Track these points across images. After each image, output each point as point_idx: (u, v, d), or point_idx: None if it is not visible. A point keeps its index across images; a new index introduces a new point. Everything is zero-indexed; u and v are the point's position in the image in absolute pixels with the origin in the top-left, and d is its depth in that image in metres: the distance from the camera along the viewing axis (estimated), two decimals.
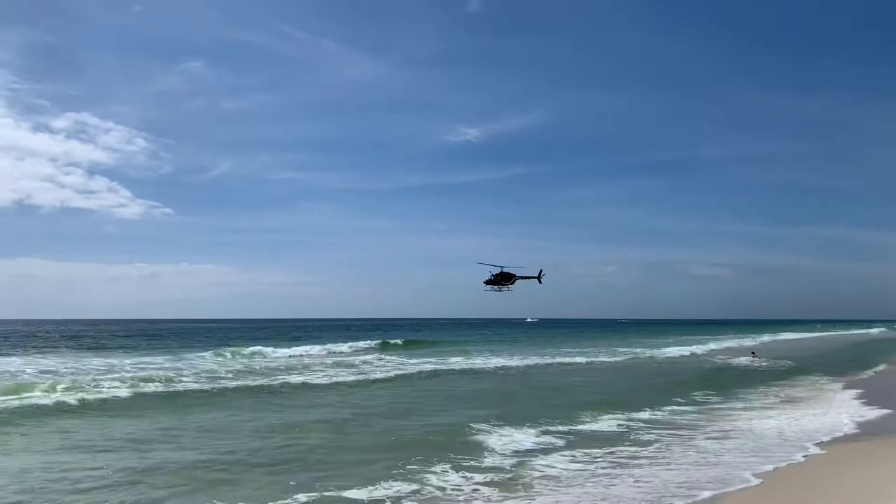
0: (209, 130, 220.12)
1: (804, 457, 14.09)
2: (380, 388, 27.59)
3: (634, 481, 12.14)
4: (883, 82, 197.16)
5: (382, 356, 48.33)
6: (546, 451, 14.78)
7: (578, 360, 44.44)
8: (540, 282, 42.79)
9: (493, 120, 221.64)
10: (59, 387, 24.83)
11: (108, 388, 25.11)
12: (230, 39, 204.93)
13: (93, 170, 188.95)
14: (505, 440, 15.80)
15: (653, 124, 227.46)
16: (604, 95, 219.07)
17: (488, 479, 12.26)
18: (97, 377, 28.90)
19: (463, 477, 12.43)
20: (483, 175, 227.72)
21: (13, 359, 42.04)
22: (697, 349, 56.81)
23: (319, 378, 30.55)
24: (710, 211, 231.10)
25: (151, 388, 25.73)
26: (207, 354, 46.05)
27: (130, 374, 30.39)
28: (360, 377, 31.22)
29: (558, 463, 13.58)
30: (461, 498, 11.22)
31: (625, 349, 56.32)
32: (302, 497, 10.99)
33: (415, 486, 11.75)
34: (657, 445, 15.40)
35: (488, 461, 13.73)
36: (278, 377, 30.74)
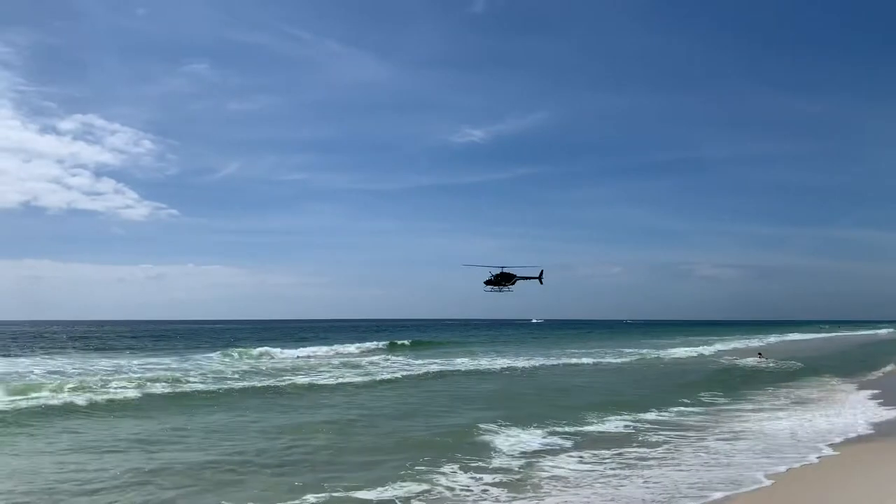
0: (215, 132, 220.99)
1: (817, 458, 13.98)
2: (387, 389, 27.57)
3: (644, 482, 12.06)
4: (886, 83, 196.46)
5: (390, 357, 48.37)
6: (554, 451, 14.73)
7: (584, 360, 44.31)
8: (541, 282, 42.47)
9: (498, 121, 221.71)
10: (66, 387, 24.91)
11: (115, 388, 25.16)
12: (235, 41, 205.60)
13: (99, 171, 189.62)
14: (512, 441, 15.74)
15: (657, 124, 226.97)
16: (608, 96, 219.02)
17: (497, 480, 12.21)
18: (105, 378, 28.99)
19: (472, 478, 12.37)
20: (487, 176, 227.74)
21: (21, 359, 42.25)
22: (704, 350, 56.56)
23: (326, 379, 30.53)
24: (714, 211, 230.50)
25: (159, 388, 25.76)
26: (214, 355, 46.15)
27: (138, 375, 30.48)
28: (368, 378, 31.18)
29: (566, 464, 13.51)
30: (471, 498, 11.17)
31: (631, 350, 56.12)
32: (311, 498, 10.95)
33: (424, 487, 11.70)
34: (666, 447, 15.31)
35: (496, 462, 13.68)
36: (286, 378, 30.75)
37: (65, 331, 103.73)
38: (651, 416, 19.82)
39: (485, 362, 42.28)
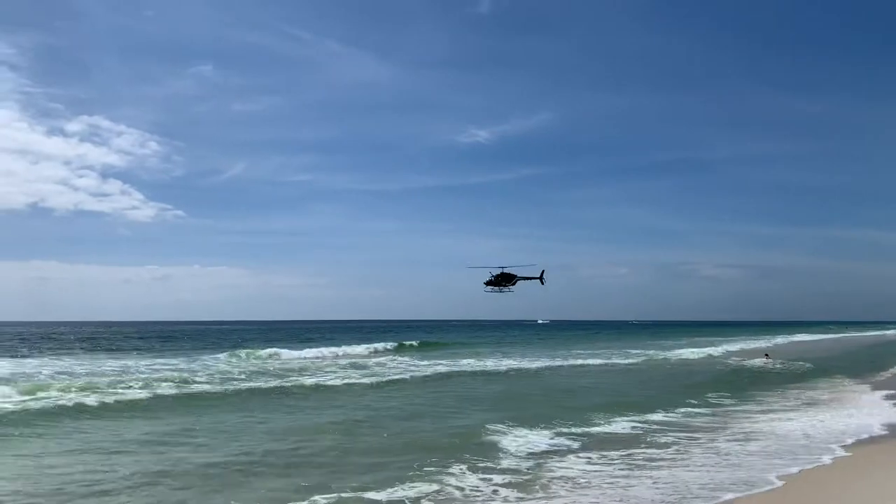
0: (220, 133, 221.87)
1: (830, 459, 13.89)
2: (395, 390, 27.55)
3: (653, 483, 12.01)
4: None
5: (399, 357, 48.40)
6: (561, 452, 14.69)
7: (591, 361, 44.20)
8: (542, 282, 42.23)
9: (502, 121, 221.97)
10: (74, 388, 24.98)
11: (123, 389, 25.22)
12: (239, 42, 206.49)
13: (106, 173, 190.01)
14: (520, 442, 15.70)
15: (658, 124, 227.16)
16: (610, 96, 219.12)
17: (506, 481, 12.18)
18: (113, 378, 29.08)
19: (481, 478, 12.34)
20: (492, 176, 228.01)
21: (29, 360, 42.41)
22: (710, 351, 56.33)
23: (335, 379, 30.54)
24: (717, 211, 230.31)
25: (167, 389, 25.80)
26: (222, 356, 46.23)
27: (145, 376, 30.56)
28: (376, 379, 31.15)
29: (574, 464, 13.48)
30: (481, 499, 11.15)
31: (637, 351, 55.98)
32: (320, 499, 10.91)
33: (434, 487, 11.68)
34: (675, 447, 15.24)
35: (505, 463, 13.64)
36: (294, 379, 30.76)
37: (72, 332, 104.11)
38: (659, 416, 19.74)
39: (491, 363, 42.22)
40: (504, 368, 38.57)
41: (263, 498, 11.11)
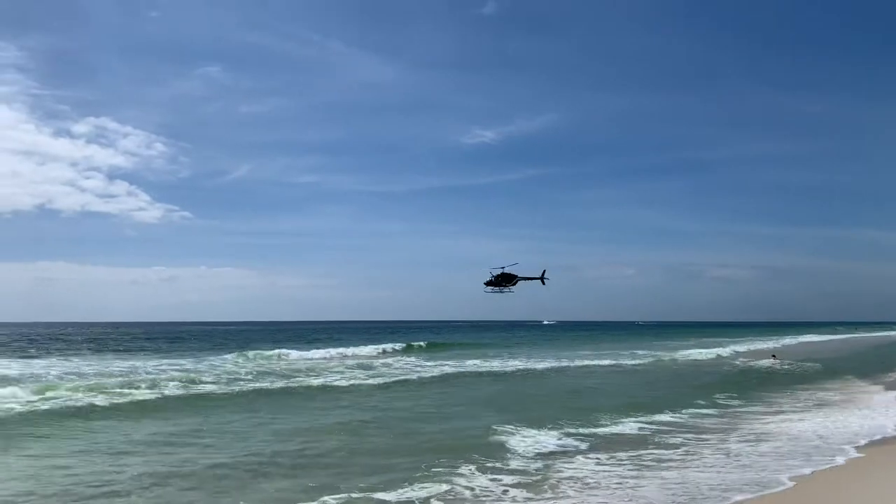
0: (227, 134, 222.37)
1: (844, 460, 13.78)
2: (402, 391, 27.54)
3: (663, 483, 11.94)
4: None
5: (406, 358, 48.39)
6: (570, 453, 14.65)
7: (598, 362, 44.07)
8: (543, 282, 41.99)
9: (508, 122, 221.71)
10: (82, 389, 25.05)
11: (131, 389, 25.29)
12: (245, 43, 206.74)
13: (112, 174, 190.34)
14: (528, 442, 15.65)
15: (665, 125, 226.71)
16: (616, 97, 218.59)
17: (516, 481, 12.14)
18: (120, 379, 29.18)
19: (490, 479, 12.30)
20: (497, 177, 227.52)
21: (37, 361, 42.60)
22: (718, 351, 56.06)
23: (341, 380, 30.55)
24: (725, 212, 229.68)
25: (174, 390, 25.88)
26: (229, 357, 46.32)
27: (153, 376, 30.64)
28: (383, 379, 31.16)
29: (583, 465, 13.43)
30: (491, 499, 11.13)
31: (644, 352, 55.78)
32: (330, 500, 10.87)
33: (444, 487, 11.65)
34: (685, 448, 15.16)
35: (513, 463, 13.60)
36: (301, 379, 30.80)
37: (79, 332, 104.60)
38: (667, 417, 19.67)
39: (498, 364, 42.17)
40: (511, 369, 38.51)
41: (272, 499, 11.10)
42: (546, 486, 11.80)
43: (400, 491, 11.40)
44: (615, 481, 12.14)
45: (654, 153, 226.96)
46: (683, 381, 31.69)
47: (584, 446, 15.37)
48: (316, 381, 29.85)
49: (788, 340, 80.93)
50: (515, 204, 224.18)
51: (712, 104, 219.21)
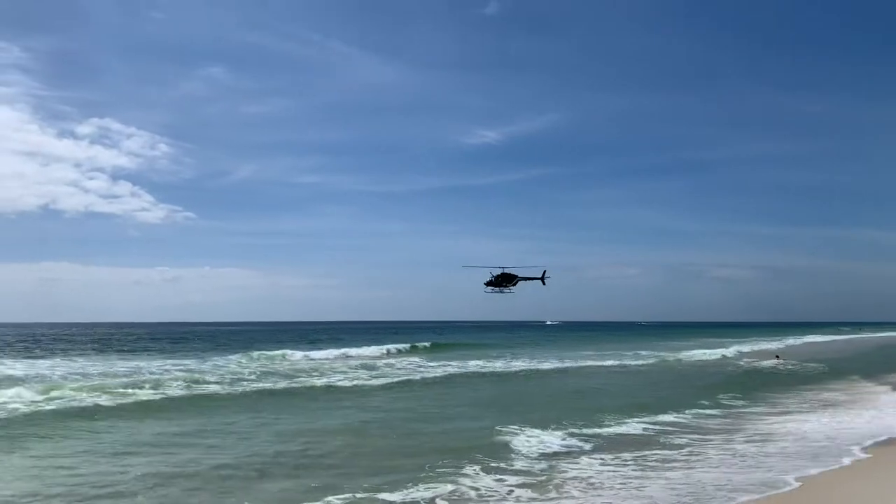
0: (230, 135, 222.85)
1: (850, 461, 13.73)
2: (406, 391, 27.53)
3: (667, 483, 11.92)
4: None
5: (409, 358, 48.37)
6: (574, 453, 14.63)
7: (601, 363, 43.99)
8: (543, 283, 41.81)
9: (510, 122, 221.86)
10: (86, 389, 25.09)
11: (135, 390, 25.33)
12: (248, 44, 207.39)
13: (116, 175, 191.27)
14: (532, 442, 15.63)
15: (667, 125, 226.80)
16: (619, 97, 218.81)
17: (521, 482, 12.13)
18: (124, 379, 29.22)
19: (495, 479, 12.30)
20: (499, 177, 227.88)
21: (42, 361, 42.68)
22: (721, 352, 55.93)
23: (345, 381, 30.56)
24: (726, 212, 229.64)
25: (178, 390, 25.91)
26: (233, 357, 46.36)
27: (157, 377, 30.68)
28: (386, 380, 31.15)
29: (588, 465, 13.41)
30: (497, 499, 11.12)
31: (647, 352, 55.68)
32: (335, 500, 10.88)
33: (449, 488, 11.64)
34: (689, 449, 15.13)
35: (518, 464, 13.58)
36: (304, 380, 30.82)
37: (83, 333, 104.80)
38: (671, 418, 19.62)
39: (501, 364, 42.13)
40: (514, 370, 38.47)
41: (276, 499, 11.09)
42: (551, 487, 11.78)
43: (405, 491, 11.39)
44: (619, 481, 12.12)
45: (654, 153, 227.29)
46: (687, 382, 31.62)
47: (588, 447, 15.34)
48: (319, 382, 29.87)
49: (792, 341, 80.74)
50: (516, 204, 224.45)
51: (712, 104, 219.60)
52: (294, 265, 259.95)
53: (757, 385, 29.68)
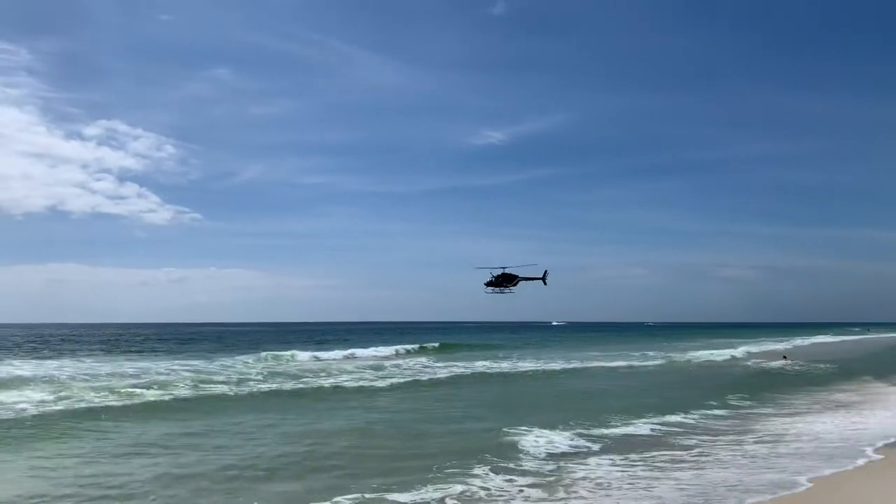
0: (236, 136, 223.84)
1: (863, 461, 13.60)
2: (413, 392, 27.48)
3: (677, 483, 11.84)
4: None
5: (417, 359, 48.36)
6: (583, 454, 14.55)
7: (609, 364, 43.84)
8: (544, 283, 41.64)
9: (516, 122, 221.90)
10: (94, 390, 25.17)
11: (142, 390, 25.38)
12: (254, 46, 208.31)
13: (123, 176, 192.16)
14: (541, 443, 15.56)
15: (665, 125, 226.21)
16: (624, 97, 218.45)
17: (531, 482, 12.07)
18: (132, 380, 29.29)
19: (505, 479, 12.23)
20: (505, 177, 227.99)
21: (50, 361, 42.86)
22: (729, 352, 55.62)
23: (351, 381, 30.54)
24: (732, 212, 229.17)
25: (185, 391, 25.95)
26: (242, 358, 46.42)
27: (164, 378, 30.75)
28: (393, 381, 31.11)
29: (597, 466, 13.35)
30: (507, 499, 11.07)
31: (654, 353, 55.48)
32: (343, 500, 10.84)
33: (459, 488, 11.59)
34: (699, 449, 15.02)
35: (527, 464, 13.52)
36: (311, 381, 30.82)
37: (91, 334, 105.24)
38: (679, 418, 19.50)
39: (508, 365, 42.06)
40: (521, 370, 38.36)
41: (284, 500, 11.05)
42: (560, 487, 11.72)
43: (414, 492, 11.34)
44: (628, 482, 12.05)
45: (654, 153, 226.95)
46: (695, 383, 31.46)
47: (596, 447, 15.26)
48: (326, 382, 29.86)
49: (799, 341, 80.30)
50: (521, 204, 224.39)
51: (712, 104, 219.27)
52: (298, 266, 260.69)
53: (765, 386, 29.49)
